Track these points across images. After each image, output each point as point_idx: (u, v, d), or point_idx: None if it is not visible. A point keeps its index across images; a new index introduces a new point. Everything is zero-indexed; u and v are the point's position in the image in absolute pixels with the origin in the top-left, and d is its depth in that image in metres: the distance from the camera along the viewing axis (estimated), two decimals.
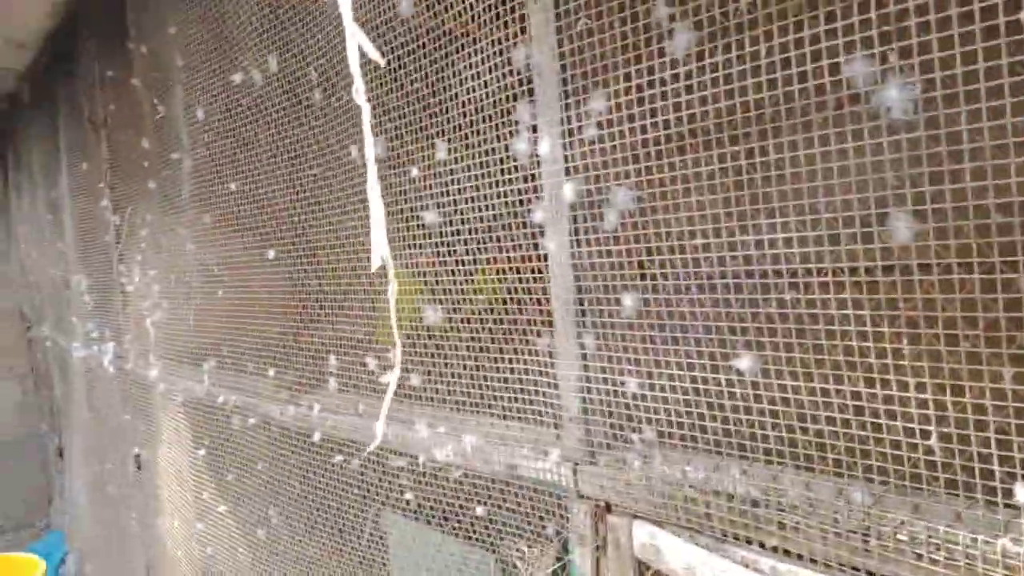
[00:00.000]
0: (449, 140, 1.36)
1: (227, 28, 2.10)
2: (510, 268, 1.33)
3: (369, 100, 1.18)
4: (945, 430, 0.78)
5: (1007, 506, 0.73)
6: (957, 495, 0.78)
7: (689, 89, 0.95)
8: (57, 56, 4.08)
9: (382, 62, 0.95)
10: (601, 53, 1.08)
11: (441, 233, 1.46)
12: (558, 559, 1.31)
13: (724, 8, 0.89)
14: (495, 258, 1.37)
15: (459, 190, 1.37)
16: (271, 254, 2.04)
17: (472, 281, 1.43)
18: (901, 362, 0.80)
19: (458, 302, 1.47)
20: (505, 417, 1.38)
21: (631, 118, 1.03)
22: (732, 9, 0.88)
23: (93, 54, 3.35)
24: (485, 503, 1.43)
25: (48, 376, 5.58)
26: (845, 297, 0.84)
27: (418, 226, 1.49)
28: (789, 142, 0.86)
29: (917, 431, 0.80)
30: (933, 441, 0.78)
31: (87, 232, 3.70)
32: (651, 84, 1.00)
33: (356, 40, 0.92)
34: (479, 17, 1.24)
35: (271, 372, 2.05)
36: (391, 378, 1.06)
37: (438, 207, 1.44)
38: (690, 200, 0.99)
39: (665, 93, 0.98)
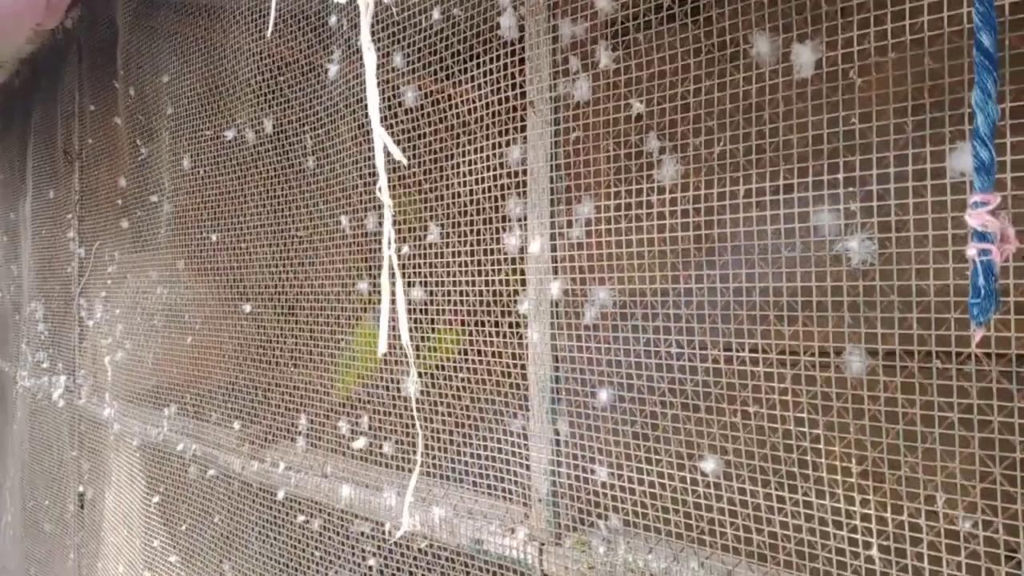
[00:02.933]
0: (442, 225, 1.45)
1: (223, 85, 2.17)
2: (484, 346, 1.41)
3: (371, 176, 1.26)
4: (884, 543, 0.88)
5: None
6: None
7: (673, 214, 1.06)
8: (33, 81, 4.08)
9: (405, 162, 1.04)
10: (592, 169, 1.19)
11: (424, 311, 1.54)
12: None
13: (710, 149, 1.01)
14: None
15: (447, 272, 1.46)
16: (247, 308, 2.08)
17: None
18: (849, 478, 0.91)
19: (437, 376, 1.54)
20: (477, 492, 1.45)
21: (618, 232, 1.14)
22: (717, 151, 1.00)
23: (76, 87, 3.38)
24: (448, 575, 1.48)
25: None
26: (802, 416, 0.94)
27: (408, 301, 1.57)
28: (760, 274, 0.97)
29: (860, 540, 0.90)
30: (874, 551, 0.88)
31: (48, 260, 3.66)
32: (639, 204, 1.10)
33: (382, 140, 1.00)
34: (482, 120, 1.35)
35: (236, 425, 2.07)
36: (415, 469, 1.12)
37: (424, 286, 1.52)
38: (668, 311, 1.09)
39: (651, 214, 1.09)
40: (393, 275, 1.00)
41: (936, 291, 0.83)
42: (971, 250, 0.69)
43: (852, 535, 0.91)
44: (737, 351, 1.00)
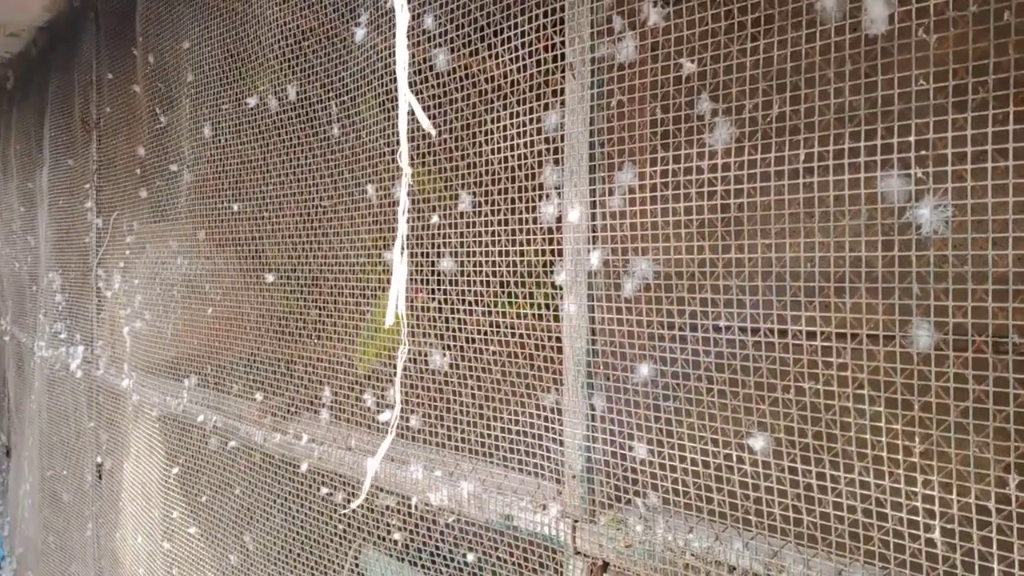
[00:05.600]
0: (474, 193, 1.41)
1: (245, 52, 2.12)
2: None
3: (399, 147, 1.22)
4: (948, 526, 0.84)
5: None
6: None
7: (724, 180, 1.01)
8: (50, 49, 4.04)
9: (434, 132, 0.99)
10: (634, 133, 1.14)
11: (454, 281, 1.49)
12: None
13: (767, 112, 0.95)
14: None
15: (479, 242, 1.41)
16: (270, 278, 2.05)
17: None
18: (910, 458, 0.86)
19: (466, 348, 1.50)
20: (507, 467, 1.41)
21: (664, 199, 1.09)
22: (775, 114, 0.95)
23: (94, 55, 3.34)
24: (476, 550, 1.45)
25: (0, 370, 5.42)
26: (862, 393, 0.90)
27: (432, 271, 1.53)
28: (820, 243, 0.92)
29: (920, 523, 0.86)
30: (936, 535, 0.84)
31: (65, 231, 3.64)
32: (686, 171, 1.05)
33: (408, 105, 0.96)
34: (517, 85, 1.30)
35: (258, 396, 2.04)
36: (389, 431, 1.09)
37: (454, 255, 1.47)
38: (716, 283, 1.04)
39: (699, 181, 1.04)
40: (403, 247, 0.96)
41: (1014, 261, 0.78)
42: None
43: (912, 517, 0.87)
44: (791, 325, 0.96)
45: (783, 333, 0.97)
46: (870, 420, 0.89)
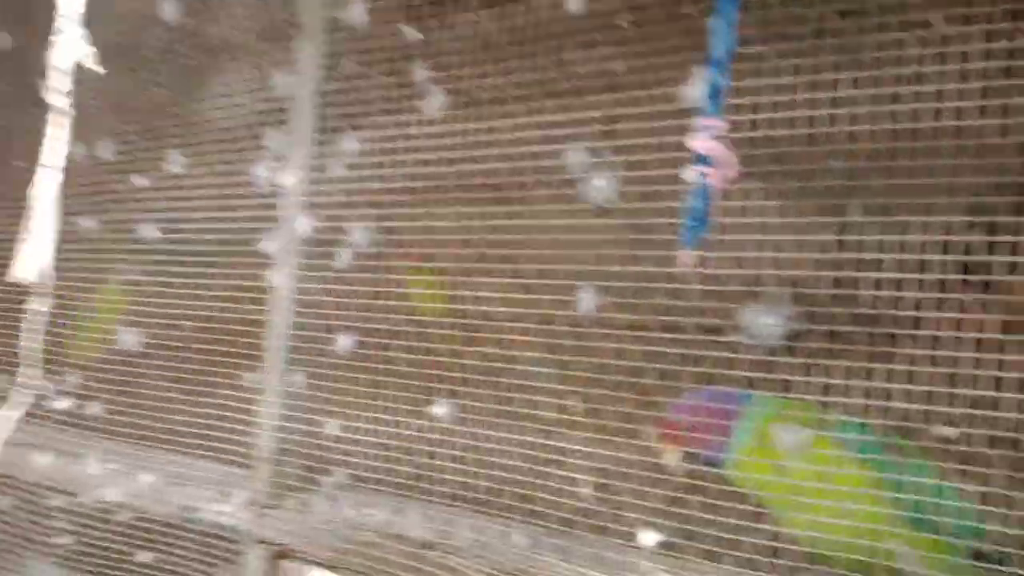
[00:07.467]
0: (185, 155, 1.30)
1: None
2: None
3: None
4: (599, 480, 0.88)
5: (634, 548, 0.83)
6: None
7: (437, 148, 1.02)
8: None
9: (101, 71, 0.87)
10: (361, 98, 1.12)
11: (157, 251, 1.36)
12: None
13: (479, 82, 0.98)
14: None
15: (187, 208, 1.31)
16: None
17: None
18: (572, 417, 0.90)
19: (163, 326, 1.36)
20: (194, 455, 1.29)
21: (380, 164, 1.08)
22: (486, 84, 0.98)
23: None
24: (154, 548, 1.29)
25: None
26: (535, 355, 0.93)
27: (132, 240, 1.38)
28: (515, 211, 0.95)
29: (576, 479, 0.89)
30: (587, 489, 0.88)
31: None
32: (405, 136, 1.06)
33: (68, 35, 0.83)
34: (246, 39, 1.24)
35: None
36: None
37: (158, 222, 1.34)
38: (425, 251, 1.05)
39: (417, 147, 1.04)
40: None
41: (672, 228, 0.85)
42: (691, 173, 0.71)
43: (570, 474, 0.90)
44: (479, 291, 0.98)
45: (476, 300, 0.99)
46: (542, 383, 0.92)
